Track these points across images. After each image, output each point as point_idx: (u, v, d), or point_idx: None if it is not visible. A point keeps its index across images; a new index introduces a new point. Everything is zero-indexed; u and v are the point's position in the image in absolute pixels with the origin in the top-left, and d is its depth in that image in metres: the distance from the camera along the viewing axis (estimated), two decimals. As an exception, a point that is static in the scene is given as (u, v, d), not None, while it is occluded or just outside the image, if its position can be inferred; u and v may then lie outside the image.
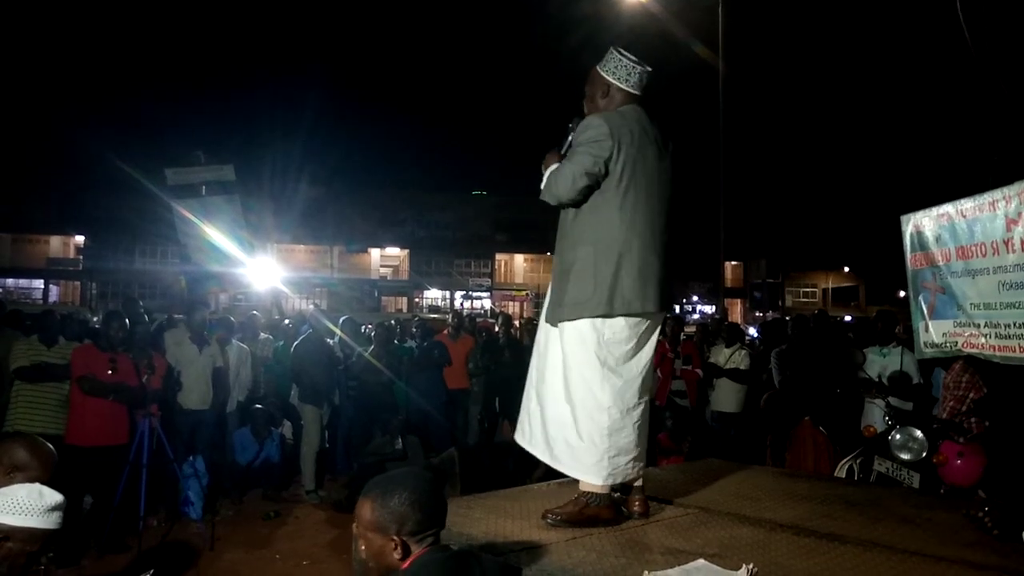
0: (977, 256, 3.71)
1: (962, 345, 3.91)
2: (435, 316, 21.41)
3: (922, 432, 4.47)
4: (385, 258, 45.83)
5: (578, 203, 2.81)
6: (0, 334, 6.32)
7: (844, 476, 4.77)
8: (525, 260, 46.00)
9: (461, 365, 8.26)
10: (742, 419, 7.54)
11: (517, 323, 11.67)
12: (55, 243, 41.60)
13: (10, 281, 40.02)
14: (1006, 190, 3.50)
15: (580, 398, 2.79)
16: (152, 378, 5.53)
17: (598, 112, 2.87)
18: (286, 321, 8.12)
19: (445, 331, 8.73)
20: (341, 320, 8.21)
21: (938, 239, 3.99)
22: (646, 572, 2.24)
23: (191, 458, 6.20)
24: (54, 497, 2.15)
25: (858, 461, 4.82)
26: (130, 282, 37.28)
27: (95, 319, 8.55)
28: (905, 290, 4.46)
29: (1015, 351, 3.51)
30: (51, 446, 2.62)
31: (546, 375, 2.92)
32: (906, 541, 2.67)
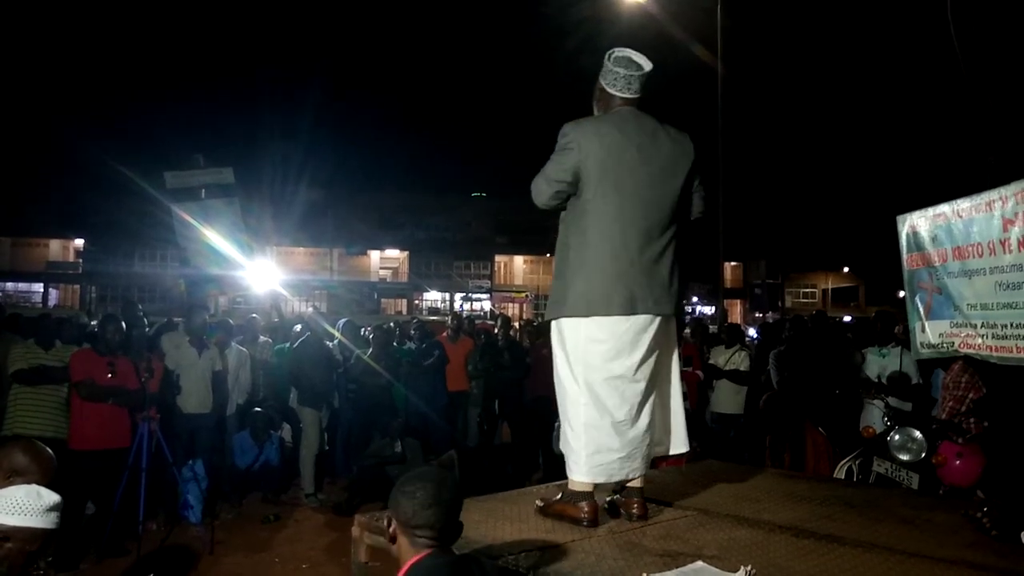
0: (973, 256, 3.71)
1: (959, 345, 3.91)
2: (435, 318, 21.40)
3: (921, 433, 4.48)
4: (385, 260, 45.84)
5: (557, 208, 2.92)
6: (-1, 337, 6.32)
7: (843, 477, 4.78)
8: (525, 262, 46.01)
9: (460, 367, 8.26)
10: (742, 420, 7.55)
11: (516, 325, 11.67)
12: (55, 246, 41.62)
13: (9, 285, 40.00)
14: (1002, 190, 3.50)
15: (561, 395, 2.93)
16: (150, 381, 5.53)
17: (595, 117, 2.94)
18: (297, 327, 8.13)
19: (444, 333, 8.73)
20: (340, 322, 8.21)
21: (934, 239, 3.99)
22: (644, 574, 2.25)
23: (190, 462, 6.20)
24: (52, 497, 2.17)
25: (857, 462, 4.83)
26: (130, 285, 37.28)
27: (92, 323, 8.54)
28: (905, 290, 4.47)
29: (1012, 351, 3.51)
30: (50, 450, 2.62)
31: None
32: (905, 542, 2.67)
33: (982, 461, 4.07)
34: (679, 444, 3.07)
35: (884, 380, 5.59)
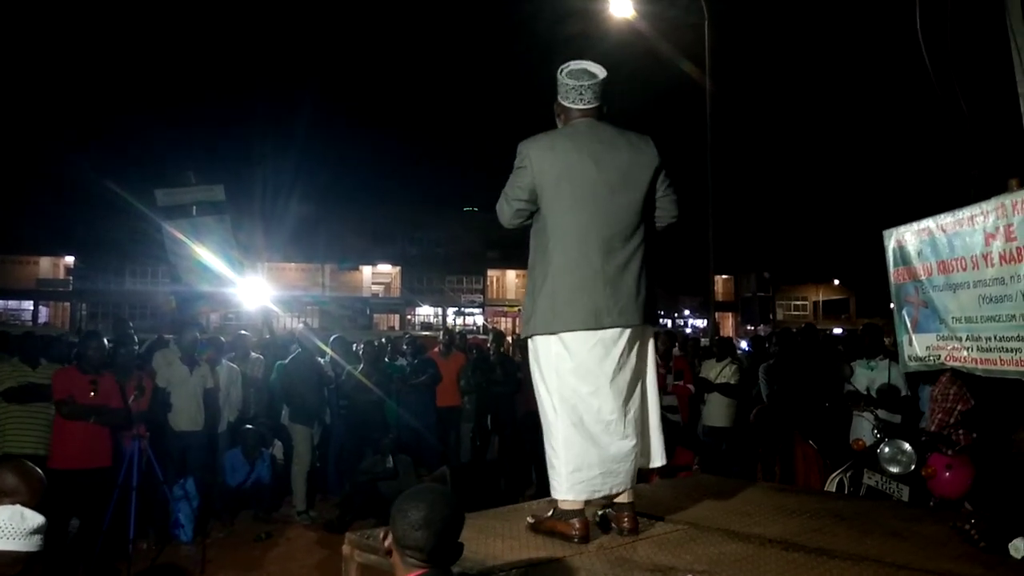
0: (957, 270, 3.76)
1: (945, 358, 3.95)
2: (427, 333, 21.38)
3: (910, 445, 4.50)
4: (377, 275, 45.82)
5: (523, 225, 2.95)
6: (-12, 357, 6.29)
7: (834, 490, 4.80)
8: (517, 276, 46.05)
9: (452, 382, 8.25)
10: (733, 434, 7.56)
11: (509, 339, 11.67)
12: (45, 264, 41.43)
13: (-1, 302, 39.80)
14: (984, 205, 3.55)
15: (541, 413, 2.93)
16: (141, 399, 5.50)
17: (550, 132, 2.95)
18: (294, 346, 8.14)
19: (436, 348, 8.73)
20: (332, 339, 8.20)
21: (920, 253, 4.04)
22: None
23: (181, 480, 6.16)
24: (36, 519, 2.14)
25: (848, 474, 4.85)
26: (120, 303, 37.11)
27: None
28: (895, 303, 4.51)
29: (996, 364, 3.54)
30: (40, 471, 2.61)
31: None
32: (894, 554, 2.68)
33: (971, 473, 4.09)
34: (657, 458, 3.01)
35: (873, 393, 5.62)
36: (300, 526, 6.81)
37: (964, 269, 3.70)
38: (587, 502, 2.87)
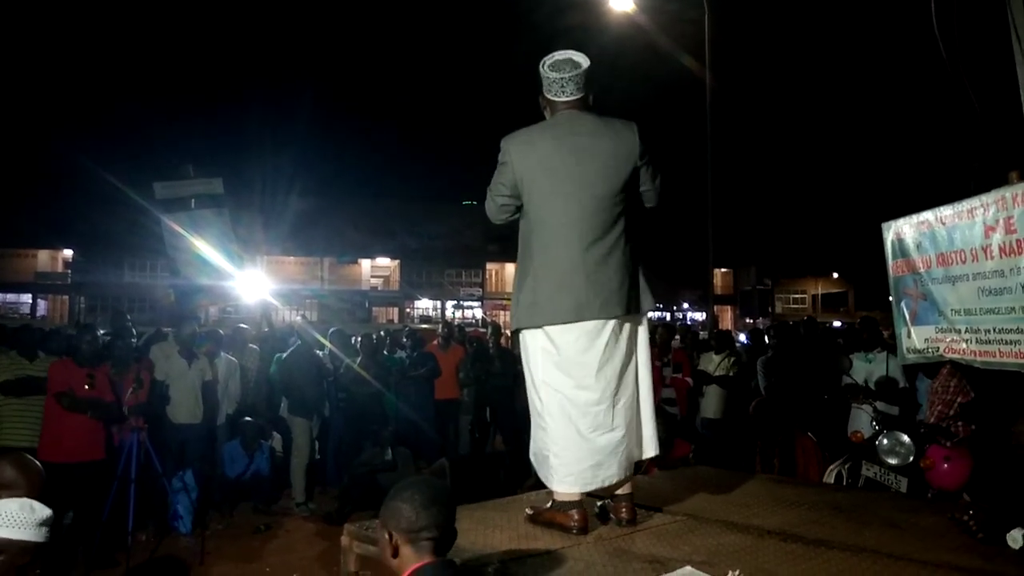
0: (957, 263, 3.75)
1: (944, 351, 3.95)
2: (426, 326, 21.37)
3: (909, 437, 4.51)
4: (376, 269, 45.80)
5: (511, 221, 2.95)
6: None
7: (832, 481, 4.81)
8: (516, 269, 45.97)
9: (451, 375, 8.26)
10: (731, 426, 7.58)
11: (507, 332, 11.67)
12: (43, 257, 41.37)
13: (-3, 296, 39.78)
14: (984, 197, 3.55)
15: (530, 406, 2.95)
16: (139, 392, 5.51)
17: (530, 126, 2.94)
18: (293, 339, 8.13)
19: (435, 341, 8.74)
20: (330, 331, 8.21)
21: (919, 246, 4.04)
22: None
23: (180, 472, 6.17)
24: (44, 511, 2.19)
25: (846, 466, 4.86)
26: (119, 296, 37.06)
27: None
28: (894, 295, 4.50)
29: (995, 356, 3.54)
30: (39, 464, 2.62)
31: None
32: (892, 545, 2.69)
33: (969, 464, 4.10)
34: (649, 448, 2.99)
35: (871, 385, 5.63)
36: (299, 518, 6.82)
37: (963, 262, 3.69)
38: (587, 493, 2.88)
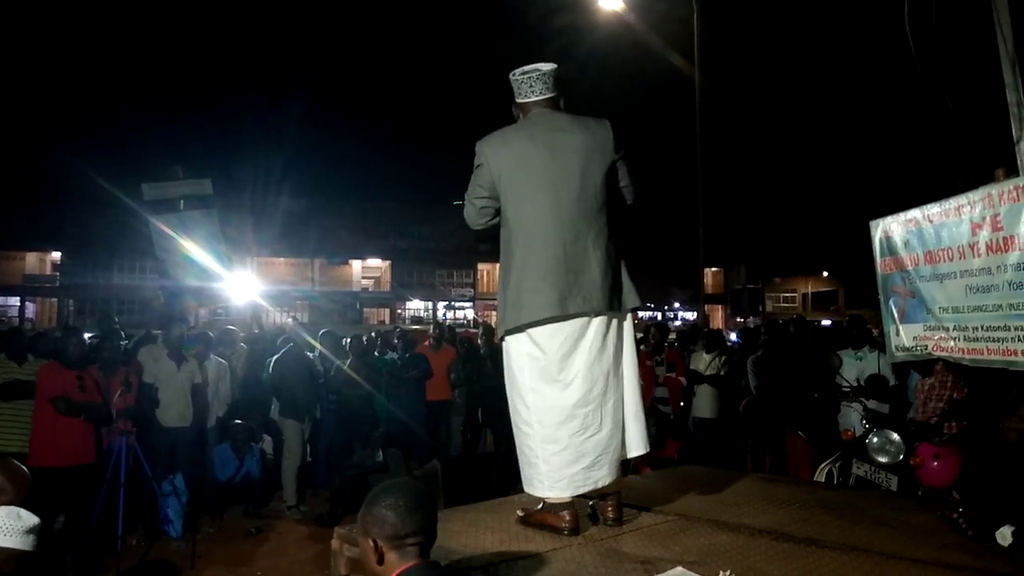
0: (944, 260, 3.77)
1: (932, 348, 3.97)
2: (417, 327, 21.34)
3: (899, 435, 4.53)
4: (367, 270, 45.68)
5: (491, 224, 2.93)
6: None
7: (823, 480, 4.82)
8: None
9: (443, 376, 8.24)
10: (722, 425, 7.60)
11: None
12: (31, 259, 41.04)
13: (-15, 299, 39.43)
14: (971, 195, 3.57)
15: (513, 413, 2.94)
16: (128, 395, 5.47)
17: (504, 128, 2.94)
18: (281, 339, 8.09)
19: (427, 342, 8.72)
20: (321, 333, 8.18)
21: (906, 244, 4.06)
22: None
23: (170, 476, 6.13)
24: (31, 519, 2.17)
25: (837, 465, 4.88)
26: (108, 298, 36.83)
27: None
28: (883, 294, 4.52)
29: (983, 353, 3.56)
30: (26, 469, 2.60)
31: None
32: (883, 544, 2.70)
33: (959, 462, 4.12)
34: (635, 447, 2.93)
35: (861, 383, 5.65)
36: (290, 520, 6.79)
37: (951, 259, 3.72)
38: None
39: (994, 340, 3.48)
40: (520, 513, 3.00)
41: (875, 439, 4.60)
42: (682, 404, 7.73)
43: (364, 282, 45.65)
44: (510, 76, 2.90)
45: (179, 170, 8.28)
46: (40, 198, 36.26)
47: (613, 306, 2.82)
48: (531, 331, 2.80)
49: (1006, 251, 3.39)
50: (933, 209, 3.83)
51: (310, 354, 7.78)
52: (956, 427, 4.51)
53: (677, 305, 45.01)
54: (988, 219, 3.46)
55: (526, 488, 2.92)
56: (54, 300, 40.31)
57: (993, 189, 3.46)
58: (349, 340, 8.29)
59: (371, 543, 1.81)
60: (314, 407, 7.64)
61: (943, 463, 4.13)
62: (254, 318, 10.62)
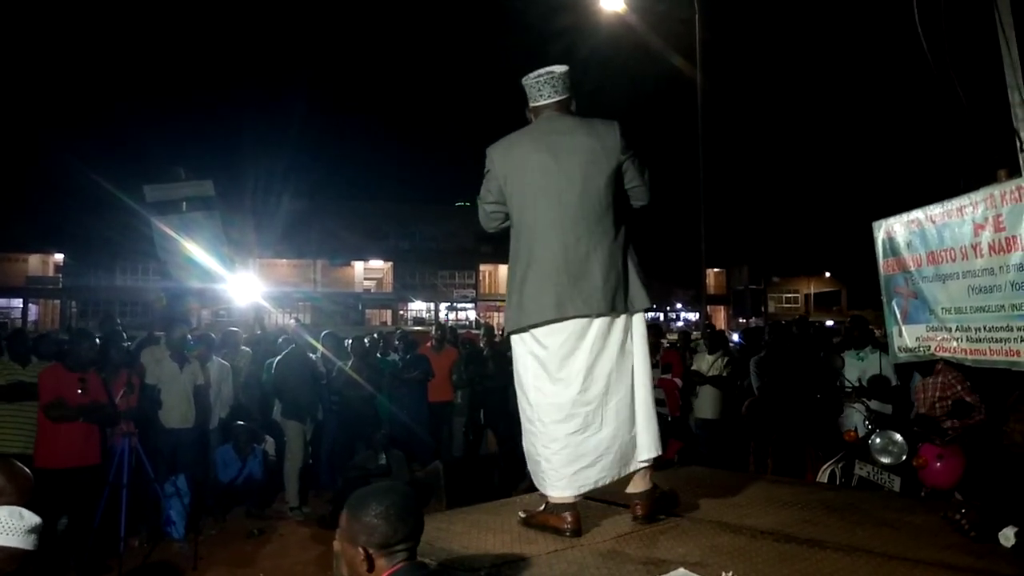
0: (947, 261, 3.77)
1: (935, 349, 3.96)
2: (419, 328, 21.36)
3: (902, 435, 4.52)
4: (369, 271, 45.72)
5: (502, 228, 2.99)
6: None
7: (826, 481, 4.81)
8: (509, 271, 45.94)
9: (445, 377, 8.25)
10: (725, 426, 7.59)
11: (501, 333, 11.67)
12: (34, 261, 41.13)
13: (-12, 301, 39.52)
14: (973, 196, 3.57)
15: (520, 412, 2.95)
16: (130, 396, 5.47)
17: (513, 132, 2.97)
18: (282, 340, 8.09)
19: (428, 343, 8.72)
20: (323, 334, 8.18)
21: (909, 245, 4.05)
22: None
23: (173, 477, 6.13)
24: (33, 519, 2.17)
25: (840, 466, 4.86)
26: (111, 300, 36.90)
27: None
28: (885, 294, 4.51)
29: (985, 354, 3.56)
30: (28, 471, 2.60)
31: None
32: (886, 545, 2.69)
33: (962, 463, 4.11)
34: (645, 450, 2.90)
35: (863, 383, 5.64)
36: (293, 522, 6.79)
37: (953, 260, 3.71)
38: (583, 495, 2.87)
39: (997, 341, 3.48)
40: (522, 514, 3.00)
41: (878, 440, 4.59)
42: (682, 405, 7.72)
43: (366, 283, 45.69)
44: (522, 81, 2.93)
45: (181, 171, 8.30)
46: (43, 200, 36.38)
47: (617, 307, 2.81)
48: (533, 331, 2.83)
49: (1008, 252, 3.38)
50: (935, 210, 3.83)
51: (312, 355, 7.78)
52: (958, 426, 4.50)
53: (679, 306, 45.01)
54: (990, 220, 3.45)
55: (535, 483, 2.96)
56: (57, 302, 40.40)
57: (995, 190, 3.46)
58: (351, 341, 8.30)
59: (361, 552, 1.78)
60: (316, 408, 7.65)
61: (946, 464, 4.12)
62: (256, 319, 10.64)
